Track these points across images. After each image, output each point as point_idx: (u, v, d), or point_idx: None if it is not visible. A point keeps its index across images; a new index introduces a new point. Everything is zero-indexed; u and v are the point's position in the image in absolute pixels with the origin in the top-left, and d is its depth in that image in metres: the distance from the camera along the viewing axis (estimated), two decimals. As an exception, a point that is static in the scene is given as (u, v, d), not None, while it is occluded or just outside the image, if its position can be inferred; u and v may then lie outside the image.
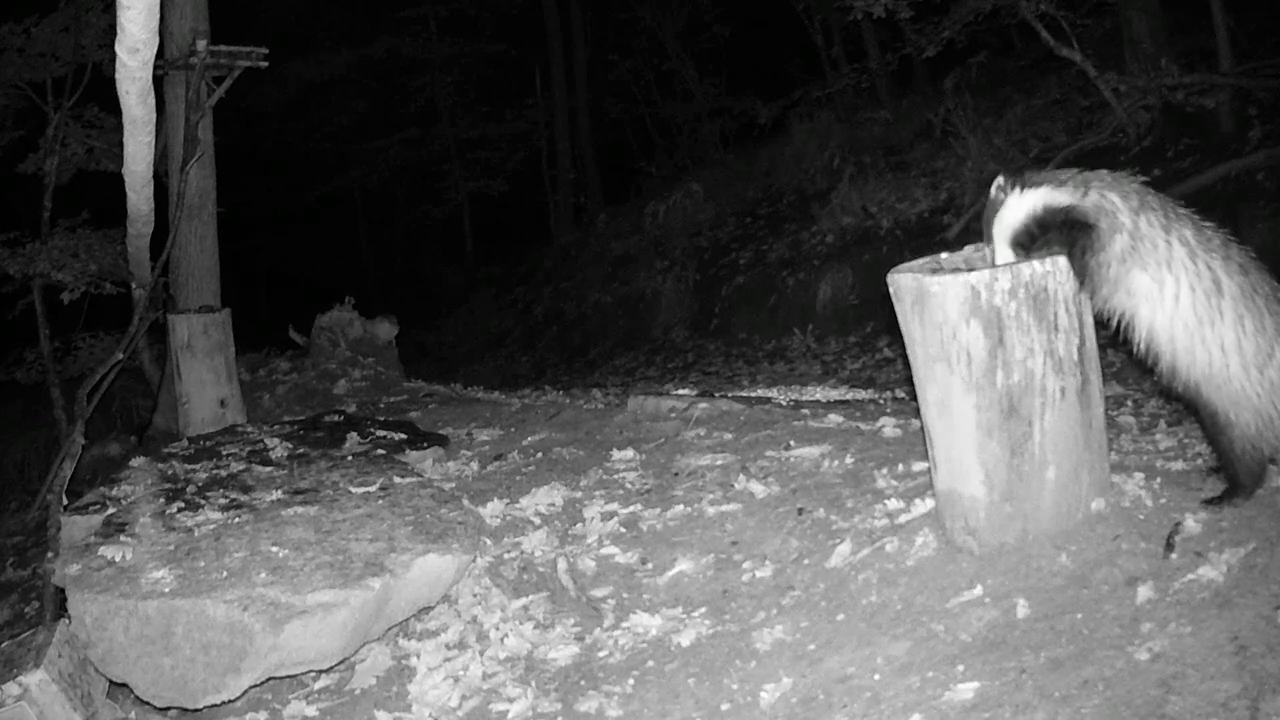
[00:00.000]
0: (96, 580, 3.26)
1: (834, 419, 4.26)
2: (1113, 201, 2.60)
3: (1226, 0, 7.44)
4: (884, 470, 3.49)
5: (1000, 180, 2.73)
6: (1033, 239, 2.69)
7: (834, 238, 9.57)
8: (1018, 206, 2.69)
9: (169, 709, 3.27)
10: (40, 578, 5.18)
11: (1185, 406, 2.79)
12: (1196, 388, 2.60)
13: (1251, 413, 2.56)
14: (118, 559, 3.39)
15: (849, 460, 3.71)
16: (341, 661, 3.20)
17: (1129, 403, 4.49)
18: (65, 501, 4.91)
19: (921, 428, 2.89)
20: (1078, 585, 2.53)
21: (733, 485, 3.76)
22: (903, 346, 2.86)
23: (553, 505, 3.98)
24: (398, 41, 18.13)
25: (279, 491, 4.06)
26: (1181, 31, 8.29)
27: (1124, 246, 2.56)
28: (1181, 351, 2.58)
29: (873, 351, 7.85)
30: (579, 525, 3.79)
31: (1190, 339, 2.56)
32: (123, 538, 3.58)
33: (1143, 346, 2.64)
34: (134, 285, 7.22)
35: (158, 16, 4.51)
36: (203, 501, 3.96)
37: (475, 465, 4.72)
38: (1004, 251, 2.72)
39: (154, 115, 5.28)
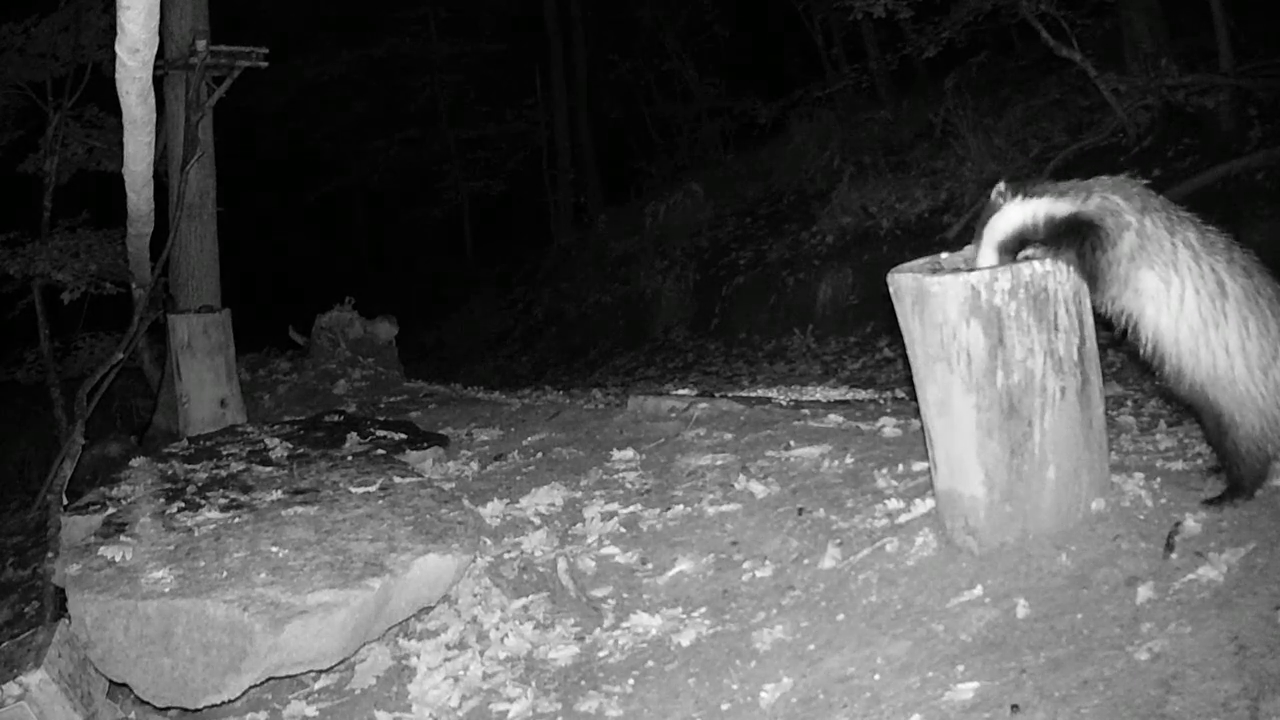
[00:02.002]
0: (96, 580, 3.26)
1: (834, 419, 4.26)
2: (1116, 203, 2.60)
3: (1226, 0, 7.45)
4: (884, 470, 3.49)
5: (1002, 186, 2.73)
6: (1022, 248, 2.70)
7: (834, 238, 9.57)
8: (1015, 214, 2.70)
9: (169, 709, 3.27)
10: (40, 578, 5.18)
11: (1188, 408, 2.80)
12: (1202, 390, 2.61)
13: (1256, 414, 2.57)
14: (118, 559, 3.39)
15: (849, 460, 3.71)
16: (341, 661, 3.20)
17: (1129, 403, 4.50)
18: (65, 501, 4.91)
19: (921, 428, 2.89)
20: (1078, 585, 2.53)
21: (733, 485, 3.76)
22: (903, 346, 2.87)
23: (553, 505, 3.98)
24: (398, 41, 18.13)
25: (279, 491, 4.06)
26: (1181, 31, 8.29)
27: (1132, 244, 2.57)
28: (1186, 354, 2.59)
29: (873, 351, 7.85)
30: (579, 525, 3.79)
31: (1195, 341, 2.56)
32: (123, 538, 3.58)
33: (1149, 348, 2.65)
34: (134, 285, 7.23)
35: (158, 16, 4.51)
36: (203, 501, 3.96)
37: (475, 465, 4.72)
38: (988, 255, 2.72)
39: (154, 115, 5.28)
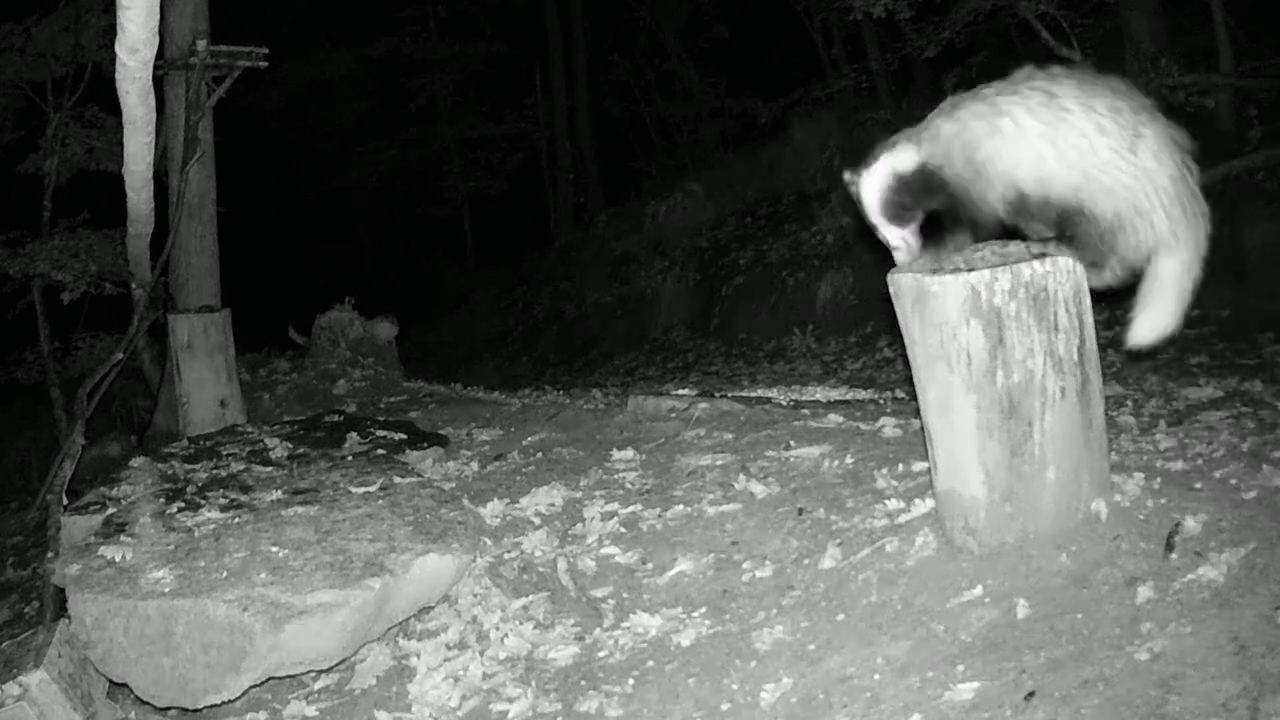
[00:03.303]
0: (96, 580, 3.26)
1: (834, 419, 4.26)
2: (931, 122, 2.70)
3: (1226, 0, 7.44)
4: (884, 470, 3.49)
5: (846, 175, 2.89)
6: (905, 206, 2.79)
7: (834, 238, 9.57)
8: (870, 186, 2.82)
9: (169, 709, 3.27)
10: (40, 578, 5.18)
11: (1071, 240, 2.75)
12: (1075, 191, 2.62)
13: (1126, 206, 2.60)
14: (118, 559, 3.39)
15: (849, 460, 3.70)
16: (341, 661, 3.20)
17: (1129, 403, 4.50)
18: (65, 501, 4.91)
19: (921, 428, 2.89)
20: (1078, 585, 2.53)
21: (733, 485, 3.76)
22: (903, 346, 2.87)
23: (553, 505, 3.98)
24: (398, 41, 18.14)
25: (279, 491, 4.06)
26: (1181, 31, 8.29)
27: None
28: (1050, 161, 2.59)
29: (873, 351, 7.85)
30: (579, 525, 3.79)
31: (1050, 146, 2.58)
32: (123, 538, 3.58)
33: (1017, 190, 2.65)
34: (134, 285, 7.22)
35: (158, 16, 4.52)
36: (203, 501, 3.96)
37: (475, 465, 4.72)
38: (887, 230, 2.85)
39: (154, 115, 5.29)
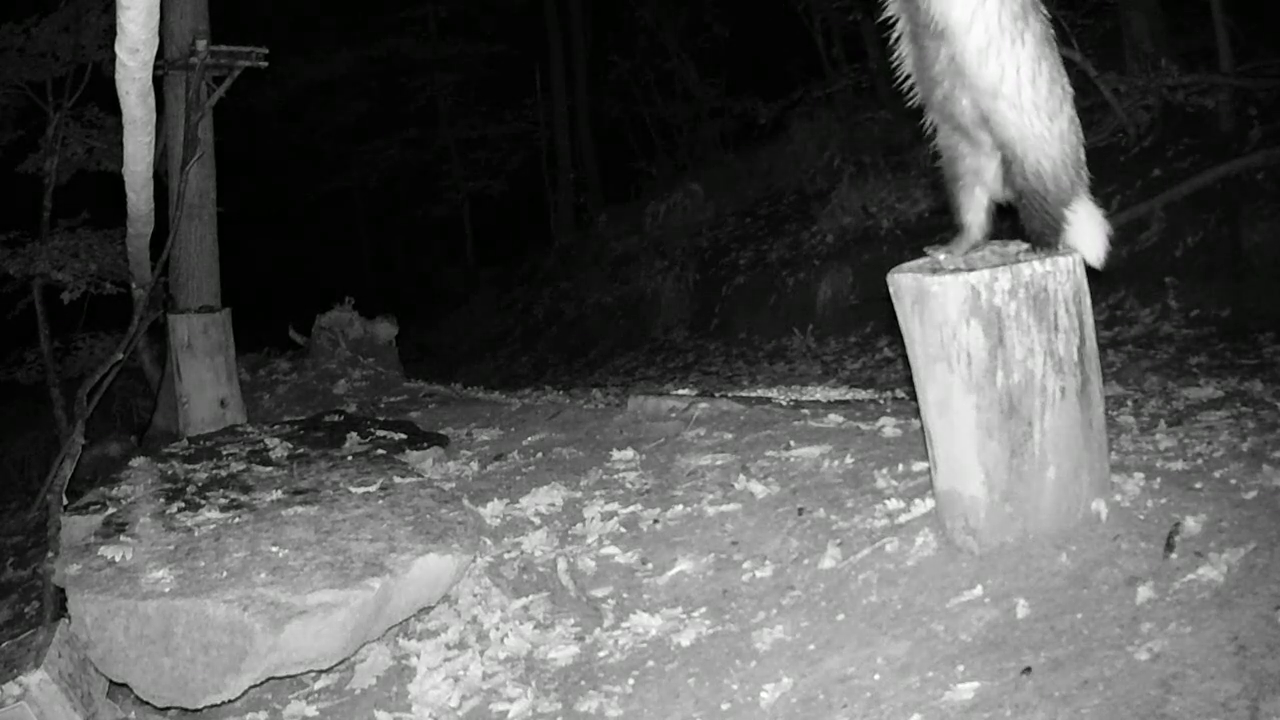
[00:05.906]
0: (96, 580, 3.26)
1: (834, 419, 4.26)
2: None
3: (1226, 0, 7.44)
4: (884, 470, 3.49)
5: None
6: None
7: (834, 238, 9.57)
8: None
9: (169, 709, 3.27)
10: (40, 578, 5.18)
11: (969, 140, 2.70)
12: (989, 110, 2.56)
13: (1041, 154, 2.57)
14: (118, 559, 3.39)
15: (849, 460, 3.71)
16: (341, 661, 3.20)
17: (1129, 403, 4.50)
18: (65, 501, 4.91)
19: (921, 428, 2.89)
20: (1078, 585, 2.53)
21: (733, 485, 3.76)
22: (903, 346, 2.87)
23: (553, 505, 3.98)
24: (398, 41, 18.16)
25: (279, 491, 4.06)
26: (1181, 31, 8.29)
27: None
28: (973, 51, 2.50)
29: (873, 351, 7.85)
30: (579, 525, 3.79)
31: (988, 43, 2.48)
32: (123, 538, 3.58)
33: (936, 39, 2.54)
34: (134, 285, 7.22)
35: (158, 17, 4.51)
36: (203, 501, 3.96)
37: (475, 465, 4.72)
38: None
39: (154, 115, 5.29)
